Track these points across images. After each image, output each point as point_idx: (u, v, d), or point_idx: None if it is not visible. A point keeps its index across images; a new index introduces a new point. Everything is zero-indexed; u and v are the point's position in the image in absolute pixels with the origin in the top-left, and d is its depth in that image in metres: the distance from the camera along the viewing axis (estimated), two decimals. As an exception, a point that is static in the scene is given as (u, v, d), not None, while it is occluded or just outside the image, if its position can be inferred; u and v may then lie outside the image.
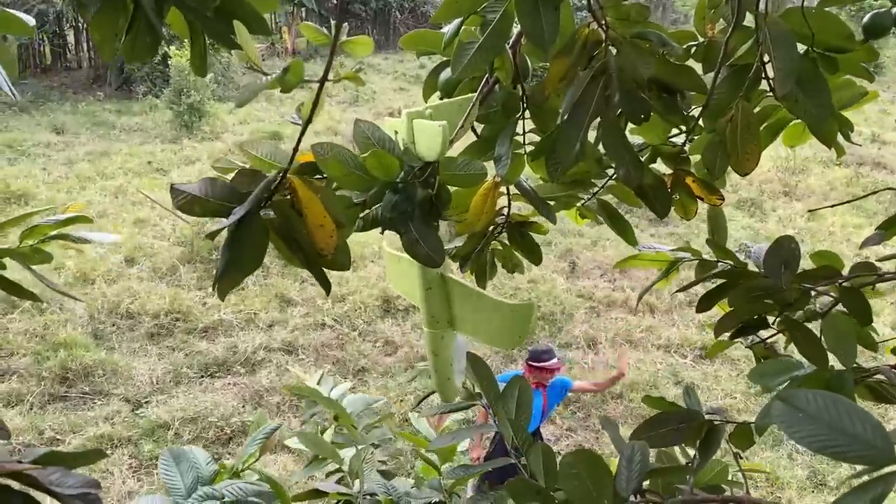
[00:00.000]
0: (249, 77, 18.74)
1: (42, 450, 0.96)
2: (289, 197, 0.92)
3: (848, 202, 1.83)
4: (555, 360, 4.97)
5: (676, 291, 1.59)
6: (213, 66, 16.24)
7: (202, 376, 6.92)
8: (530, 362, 4.97)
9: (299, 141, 0.91)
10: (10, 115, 14.93)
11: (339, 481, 1.79)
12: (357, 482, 1.70)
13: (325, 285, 0.98)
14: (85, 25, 19.40)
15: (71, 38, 20.22)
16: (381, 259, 9.28)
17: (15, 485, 0.91)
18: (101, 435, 5.92)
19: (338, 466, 1.79)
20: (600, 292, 8.81)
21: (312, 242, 0.91)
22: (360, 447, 1.74)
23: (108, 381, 6.68)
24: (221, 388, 6.75)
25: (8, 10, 0.98)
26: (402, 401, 6.59)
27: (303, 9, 23.67)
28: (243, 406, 6.46)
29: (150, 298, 7.90)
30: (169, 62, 14.42)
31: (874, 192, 1.72)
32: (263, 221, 0.91)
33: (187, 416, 6.19)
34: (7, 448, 1.01)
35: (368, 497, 1.68)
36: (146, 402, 6.44)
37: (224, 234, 0.95)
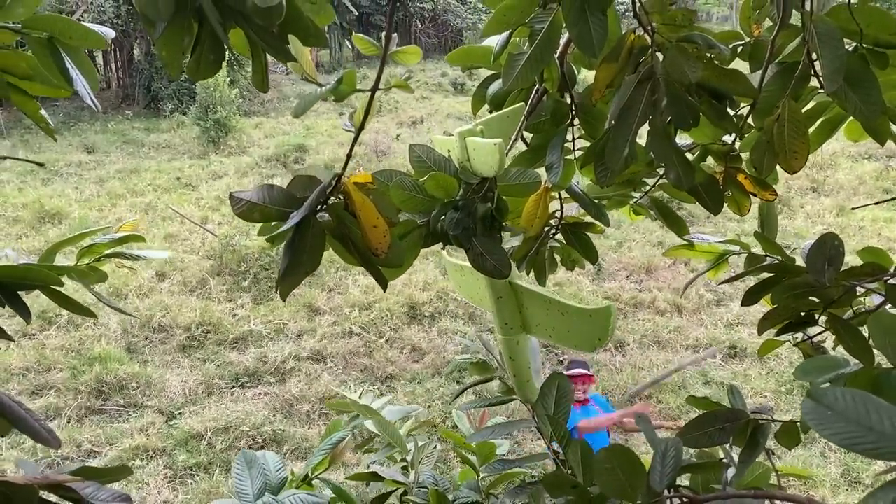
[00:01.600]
0: (274, 92, 19.00)
1: (75, 465, 1.00)
2: (343, 200, 0.95)
3: (876, 203, 1.79)
4: (577, 370, 4.87)
5: (723, 282, 1.58)
6: (239, 81, 16.48)
7: (233, 386, 7.00)
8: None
9: (352, 147, 0.94)
10: (43, 136, 15.30)
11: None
12: (414, 473, 1.74)
13: (382, 282, 1.01)
14: (113, 46, 19.81)
15: (100, 60, 20.65)
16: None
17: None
18: (136, 446, 6.02)
19: (401, 457, 1.82)
20: (627, 294, 8.75)
21: (367, 242, 0.95)
22: (421, 442, 1.78)
23: (142, 393, 6.79)
24: (252, 397, 6.83)
25: (86, 24, 1.02)
26: (429, 406, 6.61)
27: (323, 21, 23.91)
28: (274, 415, 6.53)
29: (181, 311, 8.03)
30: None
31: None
32: (320, 224, 0.95)
33: (220, 426, 6.26)
34: (40, 463, 1.06)
35: (422, 489, 1.71)
36: (179, 414, 6.53)
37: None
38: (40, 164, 1.23)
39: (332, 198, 0.94)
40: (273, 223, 0.96)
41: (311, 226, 0.92)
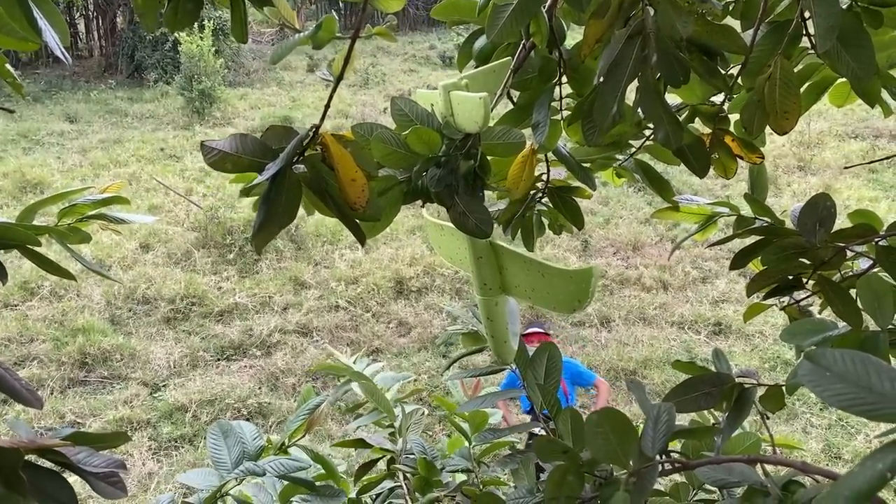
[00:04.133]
0: (259, 63, 18.69)
1: (68, 430, 0.96)
2: (320, 152, 0.91)
3: (867, 164, 1.80)
4: (533, 329, 5.21)
5: (711, 245, 1.56)
6: (224, 51, 16.19)
7: (218, 359, 6.99)
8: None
9: (331, 97, 0.90)
10: (24, 104, 15.00)
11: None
12: (401, 440, 1.72)
13: (361, 238, 0.98)
14: (95, 13, 19.39)
15: (82, 27, 20.21)
16: (393, 241, 9.29)
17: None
18: (120, 418, 6.01)
19: (389, 424, 1.81)
20: (613, 270, 8.78)
21: (345, 196, 0.92)
22: (410, 409, 1.76)
23: (126, 365, 6.76)
24: (238, 370, 6.82)
25: None
26: (415, 380, 6.63)
27: (310, -8, 23.52)
28: (259, 388, 6.53)
29: (165, 283, 7.97)
30: (179, 49, 14.40)
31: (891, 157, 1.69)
32: (296, 176, 0.91)
33: (204, 398, 6.26)
34: (31, 428, 1.00)
35: (409, 456, 1.70)
36: (164, 386, 6.52)
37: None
38: (10, 112, 1.18)
39: (308, 150, 0.91)
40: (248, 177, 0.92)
41: (288, 178, 0.89)
